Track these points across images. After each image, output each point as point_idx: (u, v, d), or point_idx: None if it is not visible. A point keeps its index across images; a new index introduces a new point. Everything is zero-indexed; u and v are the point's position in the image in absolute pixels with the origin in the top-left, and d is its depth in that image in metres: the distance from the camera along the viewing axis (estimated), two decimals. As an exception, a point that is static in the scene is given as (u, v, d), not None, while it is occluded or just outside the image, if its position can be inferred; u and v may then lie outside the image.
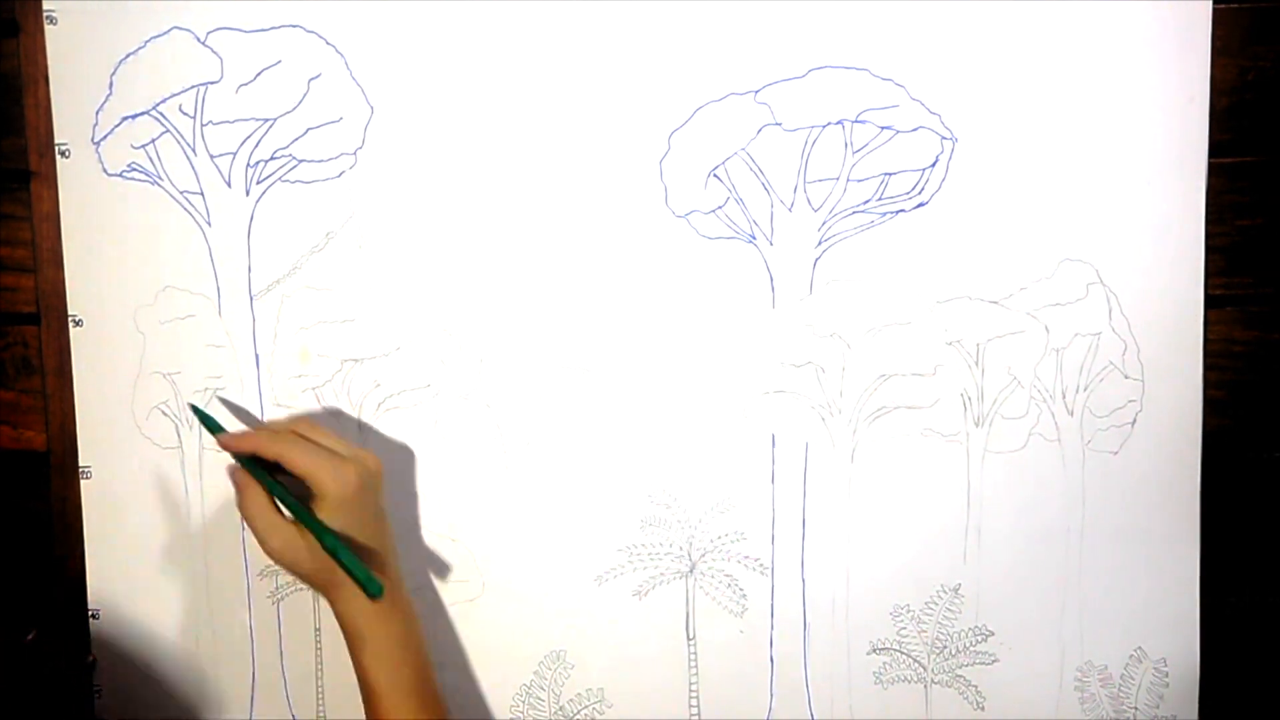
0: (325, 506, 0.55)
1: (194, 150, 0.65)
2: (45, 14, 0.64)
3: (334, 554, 0.54)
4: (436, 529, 0.66)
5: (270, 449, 0.56)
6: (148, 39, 0.64)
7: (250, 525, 0.56)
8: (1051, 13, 0.61)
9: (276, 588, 0.68)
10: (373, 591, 0.53)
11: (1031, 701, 0.66)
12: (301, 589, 0.67)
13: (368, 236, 0.65)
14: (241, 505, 0.57)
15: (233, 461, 0.59)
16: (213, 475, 0.67)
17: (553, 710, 0.67)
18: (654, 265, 0.64)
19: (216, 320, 0.66)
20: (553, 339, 0.65)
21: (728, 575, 0.66)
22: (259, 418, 0.65)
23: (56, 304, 0.66)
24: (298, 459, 0.55)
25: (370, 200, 0.64)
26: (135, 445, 0.67)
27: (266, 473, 0.58)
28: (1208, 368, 0.64)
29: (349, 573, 0.54)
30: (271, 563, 0.67)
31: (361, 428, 0.66)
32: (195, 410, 0.63)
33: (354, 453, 0.57)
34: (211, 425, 0.62)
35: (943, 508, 0.65)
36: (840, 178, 0.63)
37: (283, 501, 0.57)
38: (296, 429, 0.59)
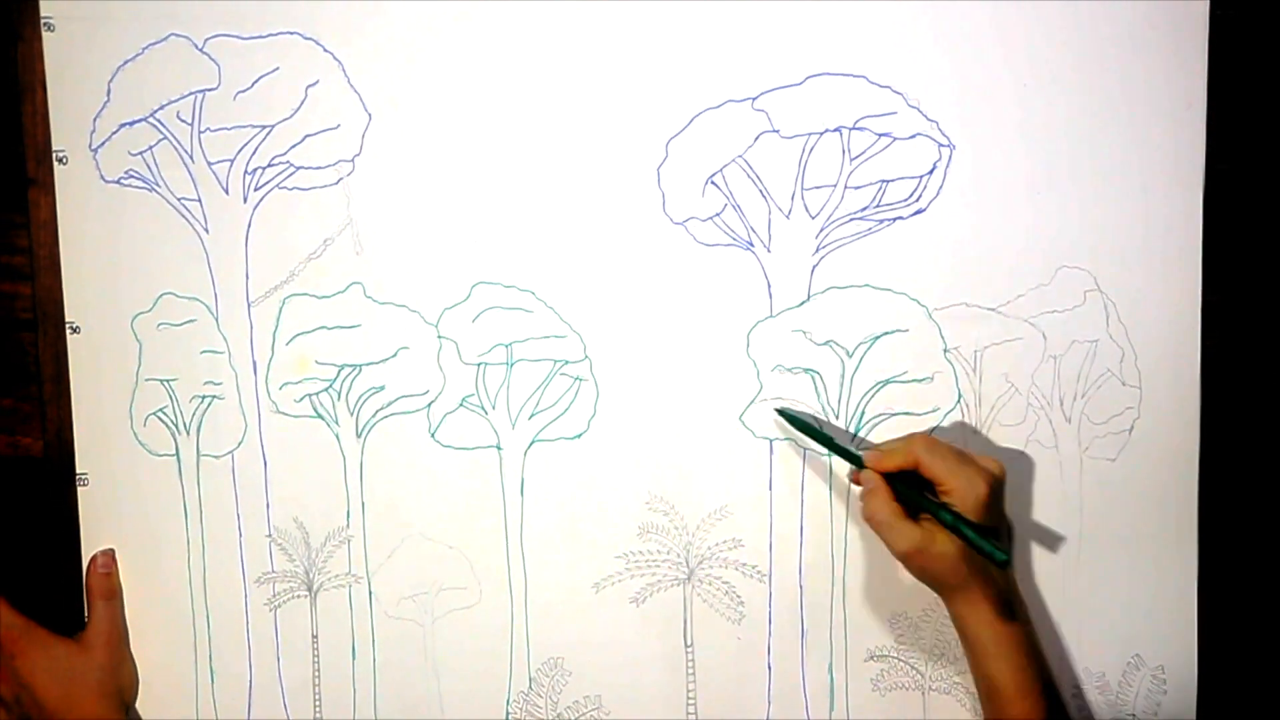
0: (960, 511, 0.57)
1: (191, 157, 0.65)
2: (43, 21, 0.64)
3: (959, 531, 0.55)
4: (434, 536, 0.66)
5: (908, 456, 0.58)
6: (145, 46, 0.64)
7: (878, 529, 0.58)
8: (1049, 19, 0.61)
9: (274, 594, 0.67)
10: (1000, 559, 0.54)
11: (1029, 708, 0.66)
12: (298, 596, 0.67)
13: (366, 243, 0.65)
14: (869, 510, 0.58)
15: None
16: (209, 482, 0.67)
17: (550, 717, 0.67)
18: (651, 272, 0.64)
19: (214, 327, 0.66)
20: (550, 346, 0.65)
21: (725, 582, 0.66)
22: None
23: (54, 311, 0.66)
24: (935, 464, 0.57)
25: (368, 207, 0.64)
26: (132, 452, 0.66)
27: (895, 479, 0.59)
28: (1205, 374, 0.64)
29: (976, 547, 0.55)
30: (268, 570, 0.67)
31: (359, 435, 0.66)
32: (809, 429, 0.63)
33: (981, 460, 0.59)
34: (833, 445, 0.62)
35: (940, 515, 0.65)
36: (838, 185, 0.63)
37: (909, 501, 0.58)
38: (926, 439, 0.60)
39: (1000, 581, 0.59)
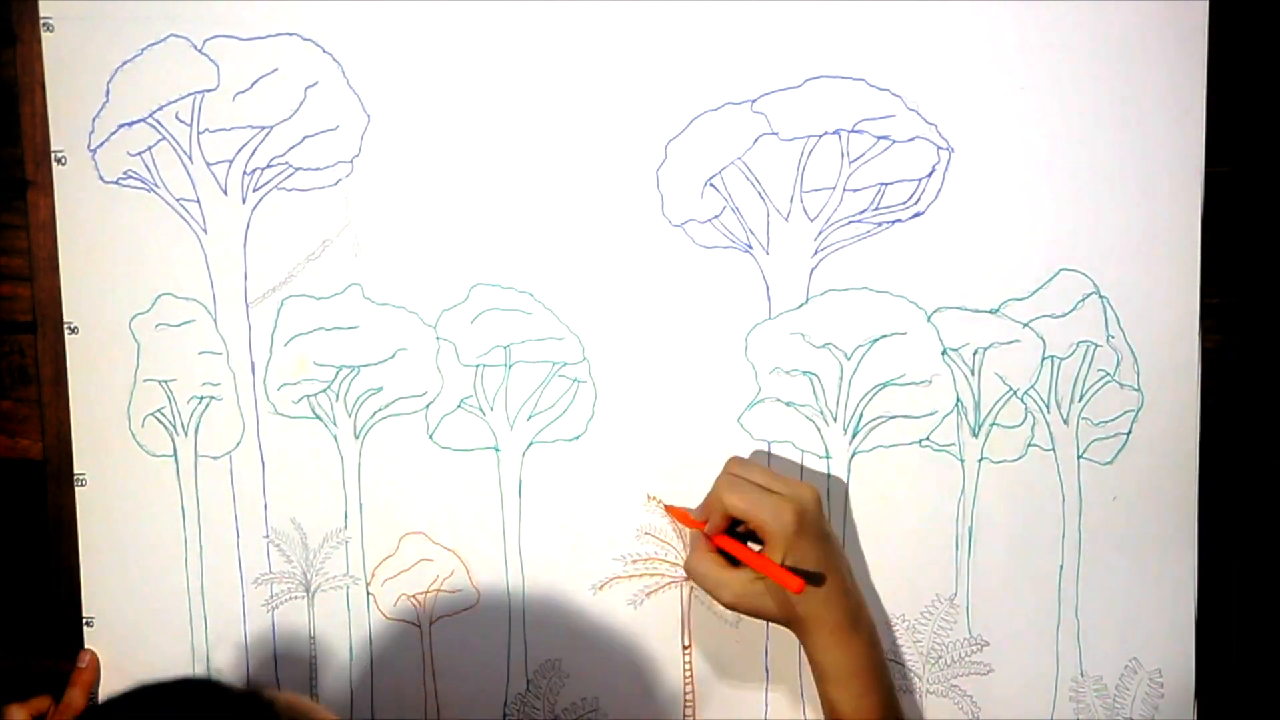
0: (771, 545, 0.56)
1: (190, 158, 0.65)
2: (42, 21, 0.64)
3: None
4: (433, 538, 0.66)
5: (716, 502, 0.58)
6: (144, 46, 0.64)
7: (700, 585, 0.60)
8: (1048, 23, 0.61)
9: (271, 596, 0.68)
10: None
11: (1027, 712, 0.66)
12: (296, 597, 0.67)
13: (364, 244, 0.65)
14: (688, 567, 0.60)
15: None
16: (207, 483, 0.67)
17: (548, 718, 0.67)
18: (650, 274, 0.64)
19: (212, 328, 0.66)
20: (549, 347, 0.65)
21: (723, 584, 0.66)
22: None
23: (52, 312, 0.66)
24: (737, 503, 0.57)
25: (367, 208, 0.64)
26: (130, 453, 0.67)
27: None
28: (1204, 377, 0.64)
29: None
30: (266, 571, 0.67)
31: (357, 436, 0.66)
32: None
33: (790, 488, 0.58)
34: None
35: (938, 517, 0.65)
36: (837, 187, 0.63)
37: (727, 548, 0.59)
38: (732, 470, 0.60)
39: (841, 609, 0.57)
